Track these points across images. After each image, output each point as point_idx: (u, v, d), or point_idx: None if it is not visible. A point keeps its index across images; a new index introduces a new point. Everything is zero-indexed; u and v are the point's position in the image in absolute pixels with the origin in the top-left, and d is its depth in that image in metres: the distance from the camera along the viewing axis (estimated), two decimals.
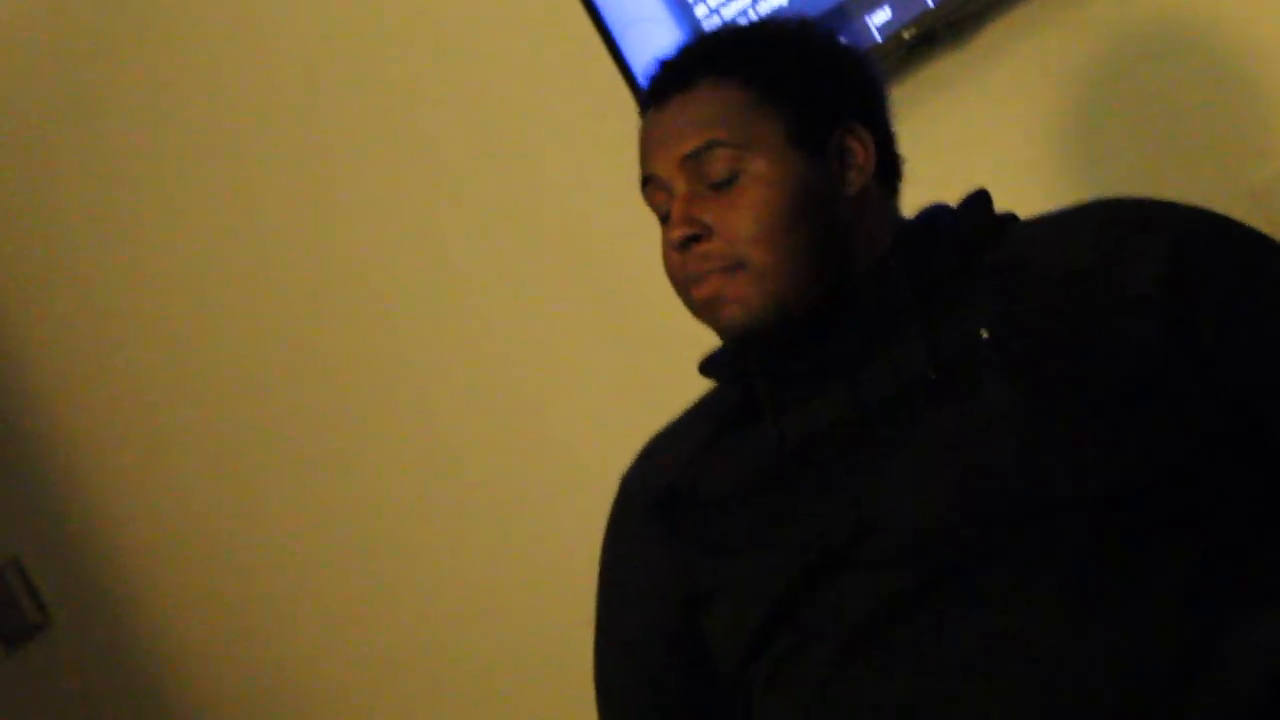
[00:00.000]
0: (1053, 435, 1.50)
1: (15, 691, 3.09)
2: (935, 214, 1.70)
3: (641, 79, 2.23)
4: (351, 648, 2.85)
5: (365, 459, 2.78)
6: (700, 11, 2.26)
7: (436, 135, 2.62)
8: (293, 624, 2.90)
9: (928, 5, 2.13)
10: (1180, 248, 1.55)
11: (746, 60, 1.67)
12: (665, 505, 1.72)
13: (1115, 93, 2.10)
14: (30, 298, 3.06)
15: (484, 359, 2.65)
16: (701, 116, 1.64)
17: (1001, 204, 1.71)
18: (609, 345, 2.54)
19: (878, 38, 2.16)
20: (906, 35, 2.15)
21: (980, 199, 1.70)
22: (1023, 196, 1.77)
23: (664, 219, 1.67)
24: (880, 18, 2.16)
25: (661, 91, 1.68)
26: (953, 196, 1.72)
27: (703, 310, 1.65)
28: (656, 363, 2.38)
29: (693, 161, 1.64)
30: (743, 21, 2.20)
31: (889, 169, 1.71)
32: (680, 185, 1.64)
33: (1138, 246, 1.56)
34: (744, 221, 1.61)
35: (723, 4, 2.24)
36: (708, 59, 1.68)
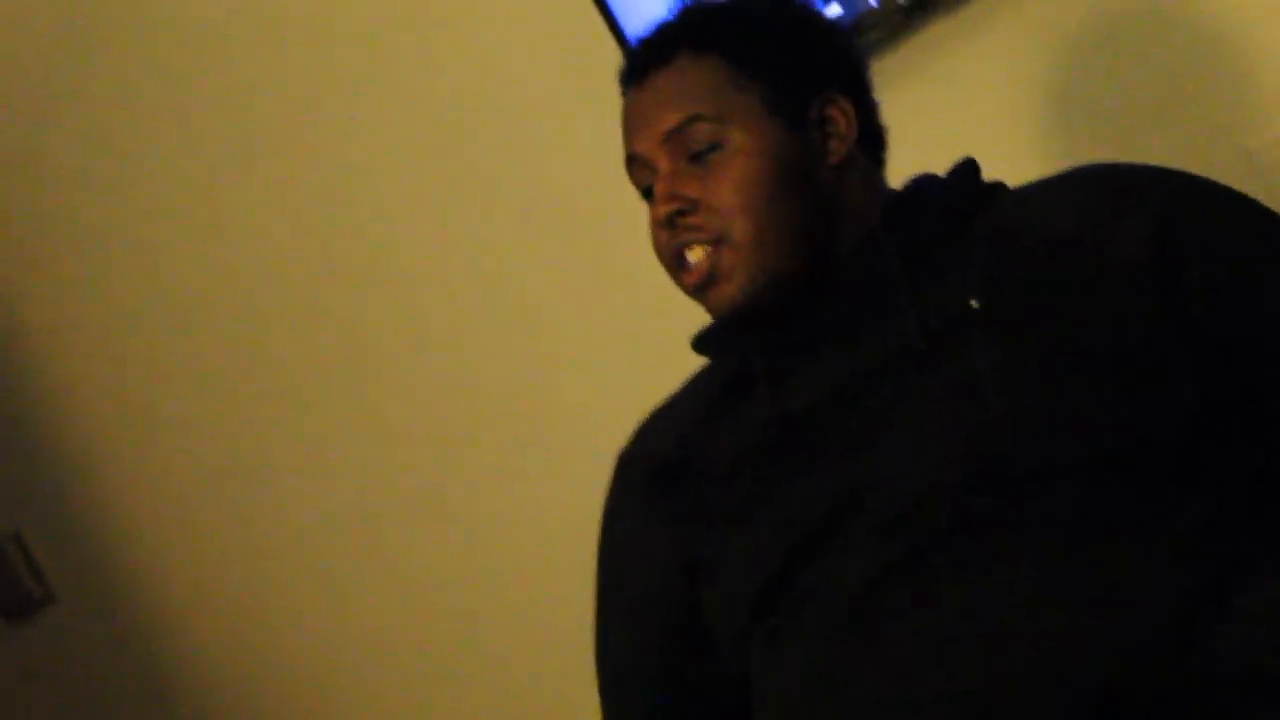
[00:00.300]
0: (1044, 400, 1.51)
1: (17, 665, 3.09)
2: (923, 184, 1.71)
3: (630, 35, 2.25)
4: (355, 628, 2.85)
5: (380, 448, 2.77)
6: None
7: (434, 115, 2.61)
8: (296, 600, 2.89)
9: None
10: (1167, 212, 1.56)
11: (722, 34, 1.68)
12: (662, 479, 1.73)
13: (1110, 57, 2.09)
14: (31, 274, 3.05)
15: (488, 349, 2.64)
16: (680, 92, 1.65)
17: (997, 168, 1.71)
18: (611, 329, 2.52)
19: (873, 2, 2.15)
20: (901, 0, 2.14)
21: (968, 167, 1.70)
22: (1018, 161, 1.77)
23: (647, 195, 1.68)
24: None
25: (640, 69, 1.69)
26: (946, 161, 1.71)
27: (694, 293, 1.66)
28: (658, 343, 2.38)
29: (675, 137, 1.65)
30: None
31: (873, 139, 1.72)
32: (663, 162, 1.65)
33: (1125, 212, 1.56)
34: (727, 193, 1.62)
35: None
36: (684, 34, 1.69)
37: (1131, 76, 2.09)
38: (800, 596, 1.58)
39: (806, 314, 1.64)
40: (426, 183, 2.63)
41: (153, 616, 3.03)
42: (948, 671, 1.47)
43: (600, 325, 2.53)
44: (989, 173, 1.71)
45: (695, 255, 1.64)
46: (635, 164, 1.69)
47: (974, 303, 1.56)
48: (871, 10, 2.14)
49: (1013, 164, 1.72)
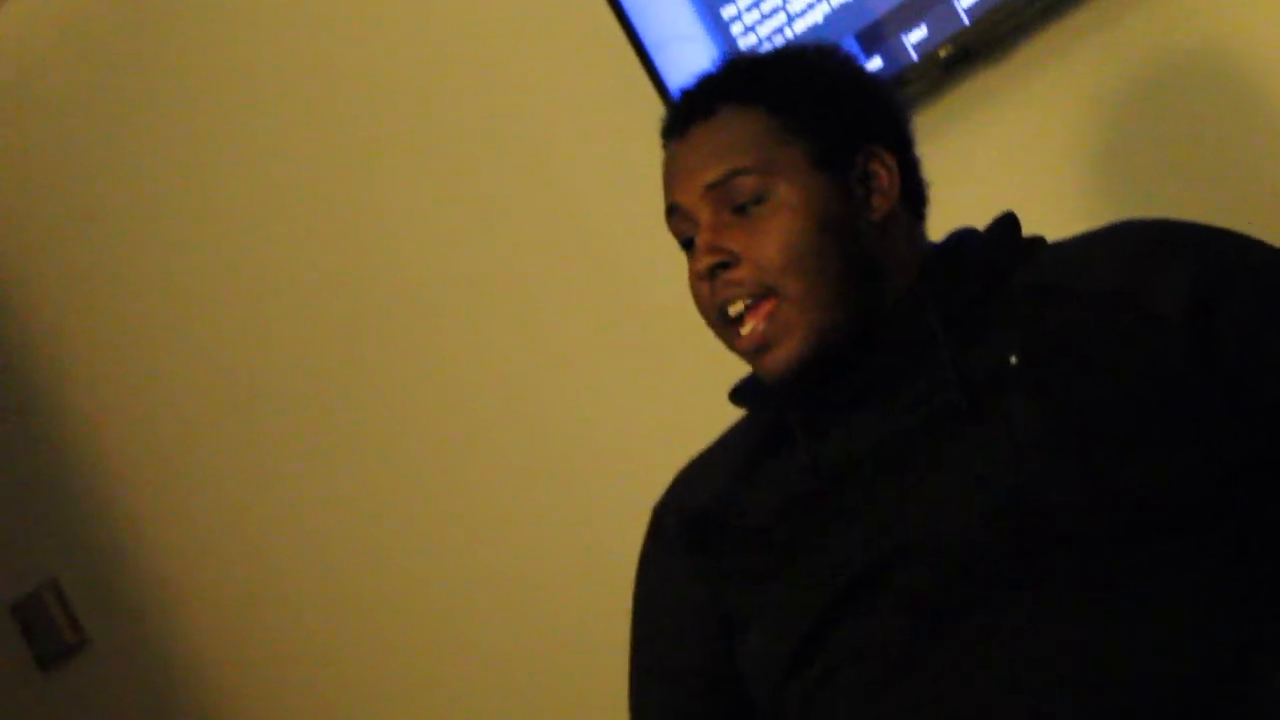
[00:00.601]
0: (1082, 459, 1.50)
1: (52, 712, 3.10)
2: (963, 239, 1.70)
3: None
4: (390, 660, 2.85)
5: (398, 474, 2.78)
6: (736, 29, 2.25)
7: (469, 151, 2.63)
8: (332, 645, 2.90)
9: (963, 23, 2.12)
10: (1204, 269, 1.55)
11: (766, 87, 1.67)
12: (698, 531, 1.72)
13: (1148, 112, 2.08)
14: (68, 323, 3.07)
15: (512, 371, 2.66)
16: (724, 144, 1.64)
17: (1035, 221, 1.70)
18: (635, 353, 2.54)
19: (913, 56, 2.15)
20: (942, 54, 2.14)
21: (1007, 222, 1.70)
22: (1056, 214, 1.76)
23: (688, 247, 1.67)
24: (916, 36, 2.15)
25: (682, 121, 1.68)
26: (987, 214, 1.71)
27: (747, 356, 1.65)
28: (679, 369, 2.41)
29: (716, 190, 1.64)
30: (766, 46, 2.20)
31: (914, 194, 1.70)
32: (705, 214, 1.64)
33: (1163, 268, 1.56)
34: (771, 247, 1.61)
35: (758, 22, 2.24)
36: (727, 87, 1.68)
37: (1171, 132, 2.08)
38: (836, 653, 1.57)
39: (847, 370, 1.63)
40: (458, 206, 2.65)
41: (186, 663, 3.04)
42: None
43: (628, 348, 2.55)
44: (1028, 226, 1.70)
45: (738, 309, 1.62)
46: (676, 215, 1.68)
47: (1013, 359, 1.55)
48: (912, 64, 2.15)
49: (1051, 217, 1.72)
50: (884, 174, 1.66)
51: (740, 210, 1.63)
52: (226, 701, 3.03)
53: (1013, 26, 2.11)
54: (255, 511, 2.92)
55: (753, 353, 1.63)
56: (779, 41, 2.21)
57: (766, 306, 1.61)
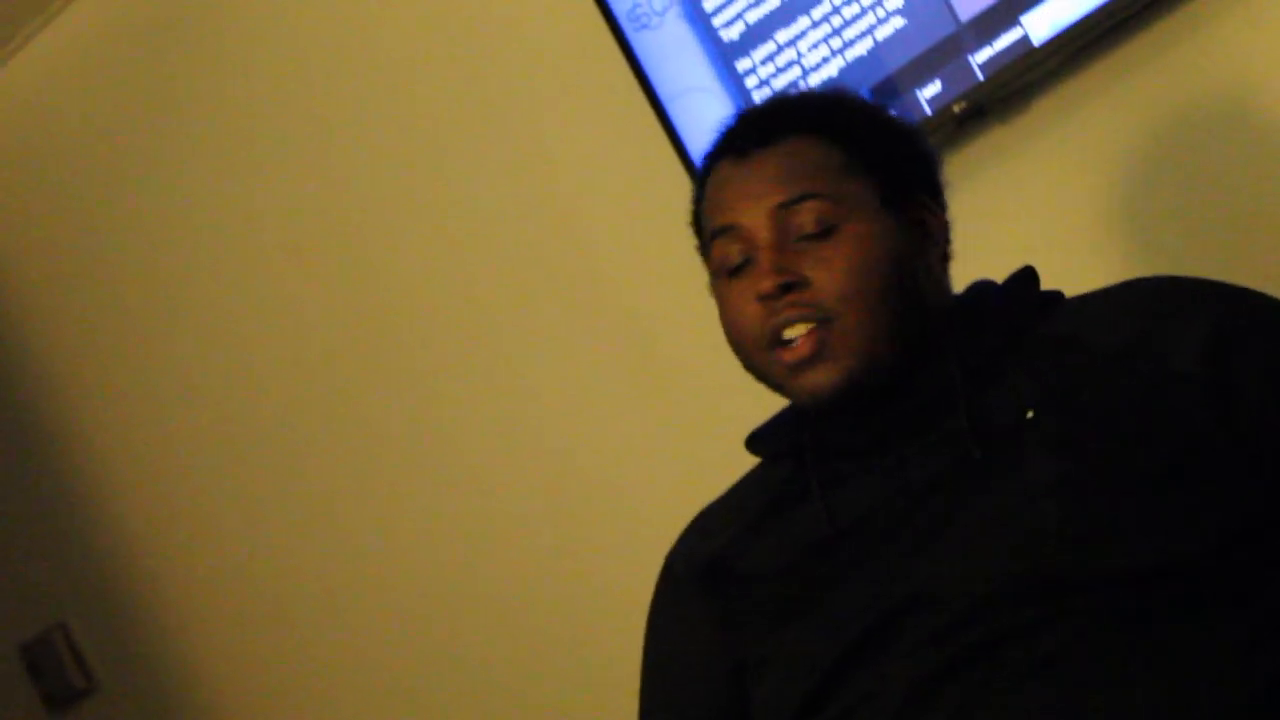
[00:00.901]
0: (1097, 510, 1.51)
1: None
2: (983, 291, 1.71)
3: (690, 147, 2.26)
4: (400, 698, 2.84)
5: (408, 501, 2.79)
6: (750, 82, 2.27)
7: (485, 196, 2.64)
8: (341, 688, 2.89)
9: (978, 79, 2.13)
10: (1221, 325, 1.56)
11: (835, 123, 1.68)
12: (710, 579, 1.72)
13: (1162, 167, 2.09)
14: (77, 360, 3.08)
15: (507, 383, 2.68)
16: (794, 170, 1.64)
17: (1051, 276, 1.71)
18: (631, 373, 2.56)
19: (928, 111, 2.16)
20: (956, 109, 2.15)
21: (1027, 276, 1.71)
22: (1072, 269, 1.77)
23: (733, 271, 1.66)
24: (930, 91, 2.16)
25: (742, 144, 1.68)
26: (1001, 268, 1.72)
27: (790, 370, 1.63)
28: (672, 387, 2.44)
29: (784, 213, 1.63)
30: (804, 88, 2.21)
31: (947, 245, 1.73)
32: (767, 234, 1.63)
33: (1179, 324, 1.56)
34: (840, 277, 1.61)
35: (773, 75, 2.25)
36: (794, 117, 1.69)
37: (1184, 187, 2.09)
38: (848, 699, 1.57)
39: (864, 418, 1.64)
40: (472, 247, 2.67)
41: (195, 707, 3.03)
42: None
43: (633, 384, 2.55)
44: (1043, 280, 1.71)
45: (797, 332, 1.61)
46: (727, 235, 1.66)
47: (1030, 413, 1.56)
48: (926, 119, 2.16)
49: (1065, 272, 1.72)
50: (935, 223, 1.68)
51: (807, 237, 1.63)
52: None
53: (1026, 83, 2.13)
54: (267, 560, 2.92)
55: (798, 365, 1.61)
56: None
57: (821, 333, 1.61)
